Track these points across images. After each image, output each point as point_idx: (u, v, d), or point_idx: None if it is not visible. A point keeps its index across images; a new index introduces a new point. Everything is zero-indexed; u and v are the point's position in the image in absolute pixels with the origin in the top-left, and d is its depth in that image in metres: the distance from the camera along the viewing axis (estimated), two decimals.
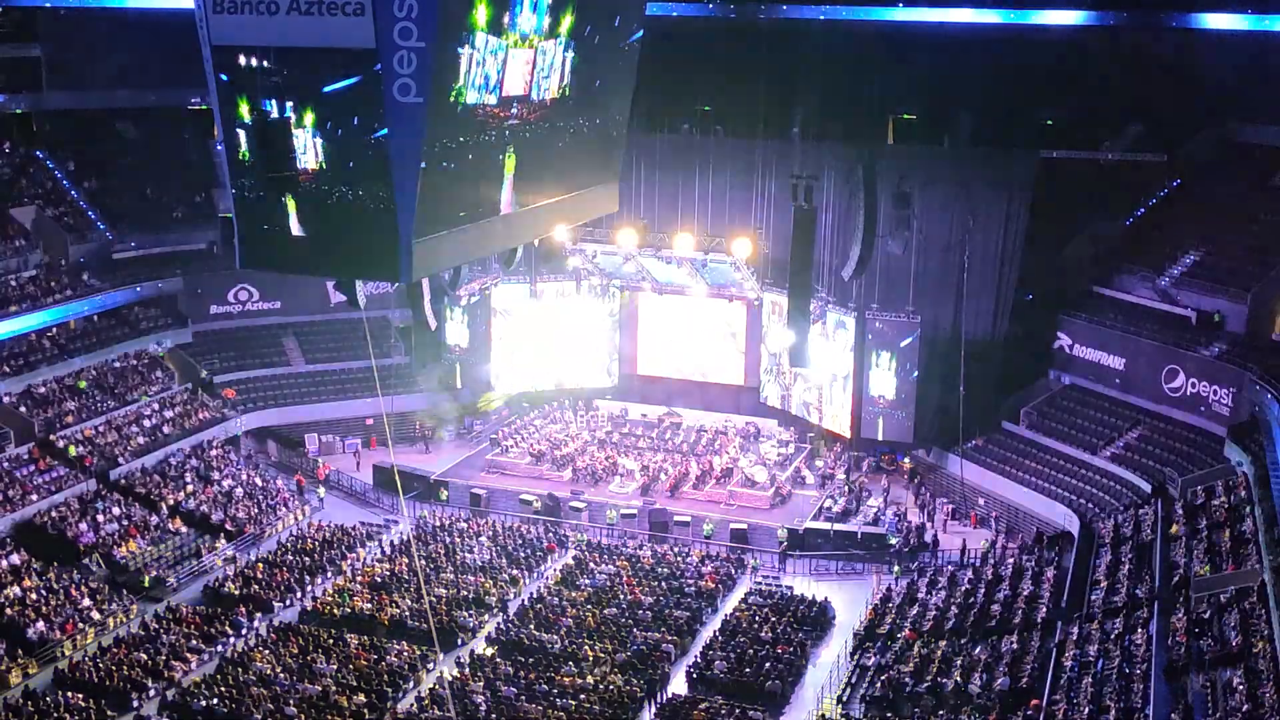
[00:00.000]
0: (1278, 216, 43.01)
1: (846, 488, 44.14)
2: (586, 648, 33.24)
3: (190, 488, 43.37)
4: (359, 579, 38.01)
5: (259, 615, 36.14)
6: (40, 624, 34.36)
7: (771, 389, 48.92)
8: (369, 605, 36.12)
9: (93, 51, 53.27)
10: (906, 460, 46.07)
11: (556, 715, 29.69)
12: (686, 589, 37.15)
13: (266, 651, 33.31)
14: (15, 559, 37.13)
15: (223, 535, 41.10)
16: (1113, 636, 29.18)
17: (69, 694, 31.20)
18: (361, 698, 30.75)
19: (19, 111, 53.86)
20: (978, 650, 31.67)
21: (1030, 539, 39.80)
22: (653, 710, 30.79)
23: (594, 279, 49.67)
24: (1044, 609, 33.20)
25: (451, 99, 17.31)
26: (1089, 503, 39.40)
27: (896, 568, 38.98)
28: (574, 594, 36.69)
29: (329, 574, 38.79)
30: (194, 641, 34.18)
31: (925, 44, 47.22)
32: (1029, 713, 27.85)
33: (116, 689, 31.62)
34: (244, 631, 35.03)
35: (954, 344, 43.27)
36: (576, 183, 23.04)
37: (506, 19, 17.96)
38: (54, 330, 47.39)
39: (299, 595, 37.42)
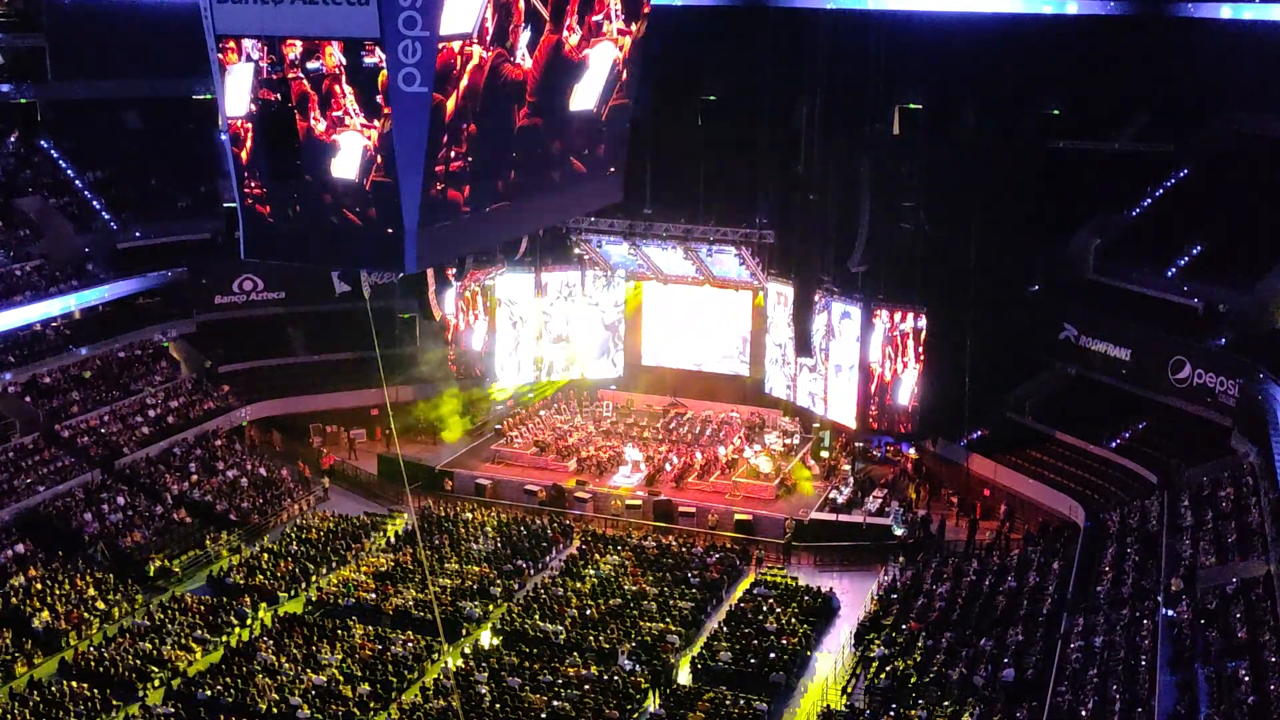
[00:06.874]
0: None
1: (851, 478, 44.08)
2: (591, 638, 33.25)
3: (195, 478, 43.40)
4: (364, 569, 38.07)
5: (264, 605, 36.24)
6: (45, 614, 34.44)
7: (777, 379, 48.82)
8: (374, 595, 36.18)
9: (97, 41, 53.21)
10: (912, 451, 45.97)
11: (561, 705, 29.72)
12: (691, 580, 37.15)
13: (271, 641, 33.38)
14: (20, 549, 37.23)
15: (227, 526, 41.15)
16: (1118, 628, 29.13)
17: (75, 684, 31.25)
18: (366, 688, 30.82)
19: (23, 101, 53.80)
20: (983, 642, 31.64)
21: (1036, 530, 39.72)
22: (658, 701, 30.82)
23: (599, 269, 49.57)
24: (1049, 600, 33.14)
25: None
26: (1095, 494, 39.30)
27: (901, 559, 38.93)
28: (578, 585, 36.72)
29: (334, 564, 38.84)
30: (199, 631, 34.26)
31: (931, 34, 46.95)
32: None
33: (122, 679, 31.72)
34: (248, 621, 35.09)
35: (959, 334, 43.12)
36: (581, 173, 22.94)
37: None
38: (59, 320, 47.39)
39: (303, 585, 37.46)
